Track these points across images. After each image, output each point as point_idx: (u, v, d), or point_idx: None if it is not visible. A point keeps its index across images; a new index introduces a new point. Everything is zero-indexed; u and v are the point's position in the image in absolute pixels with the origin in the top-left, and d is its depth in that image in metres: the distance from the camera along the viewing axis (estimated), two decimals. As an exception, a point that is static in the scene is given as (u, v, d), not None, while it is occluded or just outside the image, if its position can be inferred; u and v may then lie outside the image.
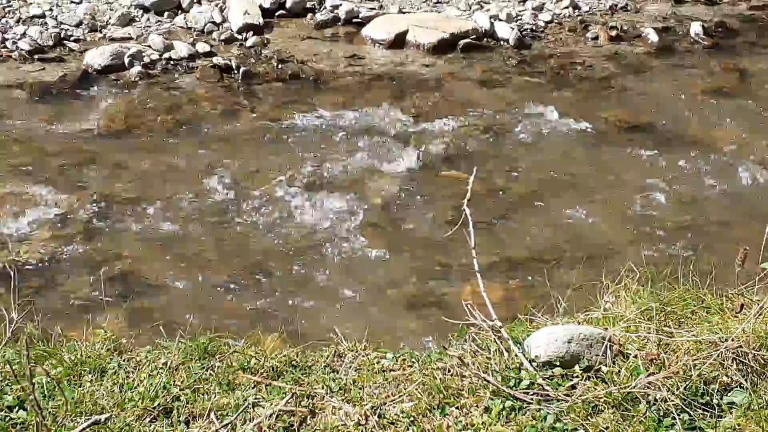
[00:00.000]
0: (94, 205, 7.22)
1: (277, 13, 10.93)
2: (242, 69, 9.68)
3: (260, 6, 10.81)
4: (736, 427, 3.86)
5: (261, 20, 10.65)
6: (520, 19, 11.24)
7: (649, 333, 4.35)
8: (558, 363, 4.21)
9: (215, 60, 9.84)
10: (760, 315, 4.26)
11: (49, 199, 7.24)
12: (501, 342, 4.38)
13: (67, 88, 9.20)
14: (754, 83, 10.08)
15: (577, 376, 4.17)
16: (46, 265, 6.54)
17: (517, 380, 4.14)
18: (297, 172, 7.82)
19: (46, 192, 7.33)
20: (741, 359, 4.12)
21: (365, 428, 3.92)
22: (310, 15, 11.01)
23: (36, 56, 9.64)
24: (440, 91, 9.60)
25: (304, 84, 9.64)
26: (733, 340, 4.15)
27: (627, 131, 8.85)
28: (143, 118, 8.74)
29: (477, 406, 4.02)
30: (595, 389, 4.06)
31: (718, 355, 4.11)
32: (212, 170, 7.82)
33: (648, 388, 4.00)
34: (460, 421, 3.95)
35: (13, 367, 4.11)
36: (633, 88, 9.87)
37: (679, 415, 3.90)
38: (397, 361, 4.40)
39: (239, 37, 10.44)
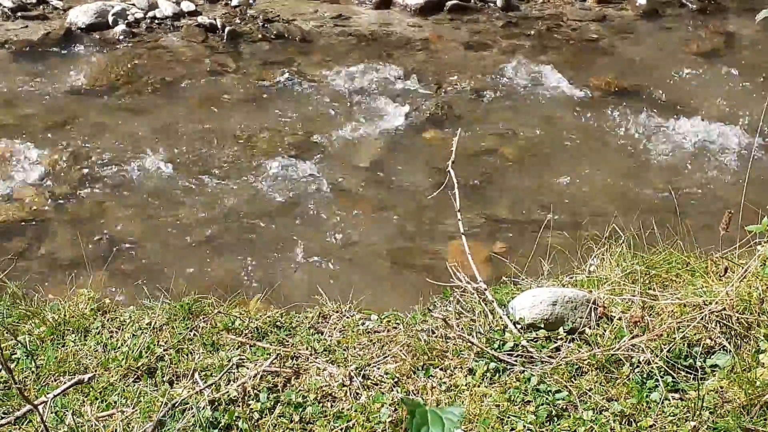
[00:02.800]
0: (77, 164, 7.17)
1: (262, -28, 10.84)
2: (227, 29, 9.60)
3: (246, -35, 10.72)
4: (719, 389, 3.88)
5: (246, -21, 10.57)
6: (508, -20, 11.17)
7: (634, 296, 4.36)
8: (542, 325, 4.22)
9: (200, 19, 9.76)
10: (744, 278, 4.27)
11: (32, 159, 7.19)
12: (485, 304, 4.38)
13: (51, 47, 9.11)
14: (741, 47, 10.06)
15: (561, 339, 4.18)
16: (28, 225, 6.51)
17: (502, 342, 4.14)
18: (281, 133, 7.78)
19: (29, 151, 7.28)
20: (725, 322, 4.13)
21: (349, 389, 3.92)
22: (296, -26, 10.93)
23: (19, 14, 9.54)
24: (427, 53, 9.55)
25: (289, 44, 9.58)
26: (717, 303, 4.16)
27: (614, 94, 8.83)
28: (127, 77, 8.67)
29: (461, 367, 4.03)
30: (579, 351, 4.08)
31: (702, 318, 4.12)
32: (196, 130, 7.77)
33: (632, 350, 4.01)
34: (444, 383, 3.96)
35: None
36: (620, 51, 9.84)
37: (662, 377, 3.92)
38: (381, 322, 4.41)
39: (225, -4, 10.36)
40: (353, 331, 4.32)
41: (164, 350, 4.14)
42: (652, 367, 3.95)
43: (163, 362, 4.08)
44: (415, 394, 3.91)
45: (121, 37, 9.34)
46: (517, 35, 10.08)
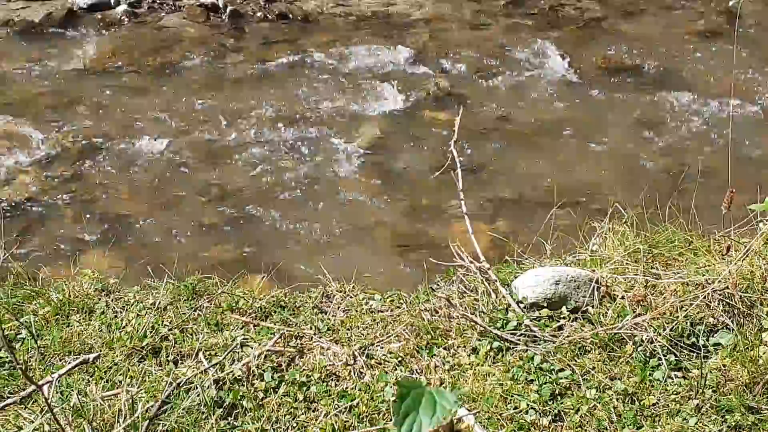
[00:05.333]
0: (80, 145, 7.17)
1: (264, -48, 10.80)
2: (229, 8, 9.58)
3: (247, -56, 10.67)
4: (722, 367, 3.89)
5: (248, -41, 10.53)
6: (511, -41, 11.11)
7: (637, 275, 4.37)
8: (545, 304, 4.23)
9: (202, -1, 9.74)
10: (746, 257, 4.28)
11: (34, 139, 7.19)
12: (489, 283, 4.39)
13: (53, 27, 9.10)
14: (744, 25, 10.02)
15: (564, 318, 4.19)
16: (32, 205, 6.51)
17: (505, 321, 4.16)
18: (283, 114, 7.78)
19: (31, 132, 7.28)
20: (727, 301, 4.14)
21: (353, 368, 3.94)
22: (297, -46, 10.88)
23: (20, -6, 9.53)
24: (429, 32, 9.53)
25: (291, 24, 9.56)
26: (719, 281, 4.17)
27: (617, 73, 8.81)
28: (129, 57, 8.66)
29: (464, 346, 4.04)
30: (582, 330, 4.09)
31: (704, 297, 4.13)
32: (198, 111, 7.77)
33: (635, 329, 4.03)
34: (448, 362, 3.97)
35: None
36: (623, 30, 9.80)
37: (665, 355, 3.93)
38: (385, 302, 4.42)
39: (226, -24, 10.32)
40: (357, 311, 4.34)
41: (169, 330, 4.16)
42: (655, 346, 3.96)
43: (167, 342, 4.10)
44: (418, 374, 3.92)
45: (123, 17, 9.32)
46: (519, 14, 10.04)
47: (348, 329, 4.19)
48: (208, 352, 4.02)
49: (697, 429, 3.62)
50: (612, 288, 4.34)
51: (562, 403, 3.75)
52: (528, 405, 3.72)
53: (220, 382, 3.83)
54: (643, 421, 3.68)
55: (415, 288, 4.62)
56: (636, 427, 3.65)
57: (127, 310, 4.33)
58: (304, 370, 3.93)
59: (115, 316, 4.28)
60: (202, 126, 7.54)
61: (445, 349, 4.05)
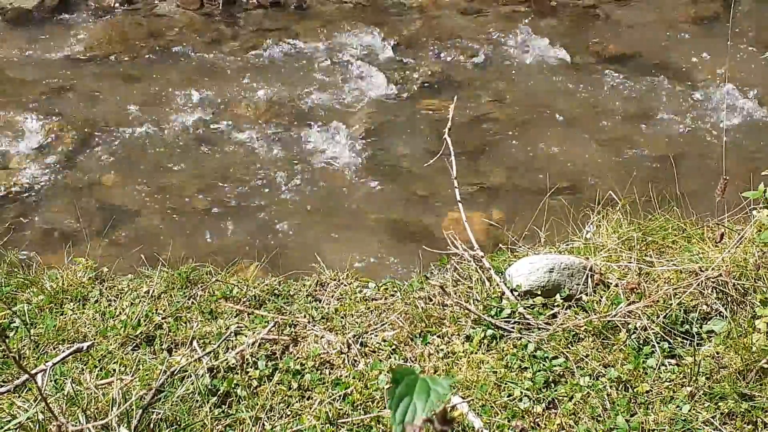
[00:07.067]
0: (73, 133, 7.16)
1: (257, -61, 10.75)
2: (223, -5, 9.56)
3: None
4: (715, 354, 3.90)
5: (241, -54, 10.49)
6: (504, -54, 11.08)
7: (630, 262, 4.37)
8: (539, 292, 4.24)
9: (195, -14, 9.70)
10: (740, 244, 4.29)
11: (28, 127, 7.17)
12: (482, 271, 4.39)
13: (46, 15, 9.06)
14: (738, 12, 10.02)
15: (558, 305, 4.20)
16: (25, 194, 6.50)
17: (499, 309, 4.16)
18: (277, 101, 7.76)
19: (25, 120, 7.26)
20: (721, 288, 4.15)
21: (347, 356, 3.94)
22: (291, -59, 10.84)
23: (12, -19, 9.49)
24: (423, 20, 9.51)
25: (285, 11, 9.52)
26: (713, 269, 4.17)
27: (611, 61, 8.79)
28: (123, 45, 8.64)
29: (458, 334, 4.05)
30: (576, 318, 4.09)
31: (698, 284, 4.13)
32: (192, 98, 7.75)
33: (628, 316, 4.03)
34: (442, 350, 3.98)
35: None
36: (618, 17, 9.79)
37: (658, 343, 3.94)
38: (379, 290, 4.42)
39: (219, -37, 10.29)
40: (351, 299, 4.34)
41: (162, 318, 4.16)
42: (649, 334, 3.97)
43: (161, 330, 4.10)
44: (412, 362, 3.93)
45: (116, 4, 9.29)
46: (513, 1, 10.02)
47: (342, 317, 4.19)
48: (202, 341, 4.02)
49: (691, 416, 3.63)
50: (606, 276, 4.34)
51: (555, 390, 3.76)
52: (522, 392, 3.73)
53: (214, 371, 3.83)
54: (636, 408, 3.69)
55: (409, 276, 4.62)
56: (629, 414, 3.66)
57: (120, 298, 4.33)
58: (298, 358, 3.93)
59: (109, 305, 4.28)
60: (196, 114, 7.52)
61: (439, 336, 4.05)
